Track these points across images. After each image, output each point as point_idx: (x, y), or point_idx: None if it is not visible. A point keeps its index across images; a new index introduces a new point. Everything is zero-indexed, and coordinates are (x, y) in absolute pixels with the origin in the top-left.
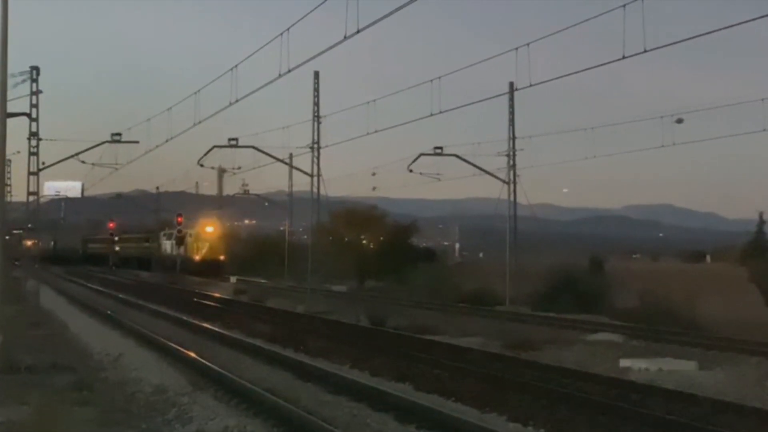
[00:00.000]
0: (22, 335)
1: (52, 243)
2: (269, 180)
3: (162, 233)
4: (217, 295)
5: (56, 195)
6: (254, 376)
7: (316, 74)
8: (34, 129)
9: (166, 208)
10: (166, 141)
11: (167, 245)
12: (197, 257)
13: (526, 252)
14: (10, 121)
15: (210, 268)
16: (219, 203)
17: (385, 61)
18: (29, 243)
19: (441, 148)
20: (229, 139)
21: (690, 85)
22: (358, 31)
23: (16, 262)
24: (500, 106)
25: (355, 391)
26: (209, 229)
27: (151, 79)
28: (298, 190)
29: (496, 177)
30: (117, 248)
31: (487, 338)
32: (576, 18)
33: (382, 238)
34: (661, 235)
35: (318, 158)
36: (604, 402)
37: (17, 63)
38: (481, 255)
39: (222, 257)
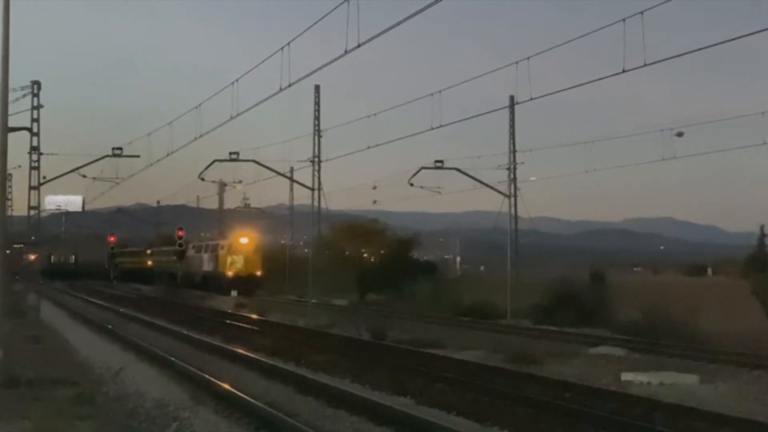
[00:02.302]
0: (22, 349)
1: (73, 257)
2: (270, 194)
3: (191, 246)
4: (218, 308)
5: (57, 209)
6: (255, 390)
7: (317, 88)
8: (35, 143)
9: (167, 222)
10: (167, 155)
11: (200, 259)
12: (230, 273)
13: (527, 265)
14: (11, 136)
15: (245, 285)
16: (220, 217)
17: (386, 75)
18: (32, 257)
19: (442, 161)
20: (230, 153)
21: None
22: (358, 45)
23: (17, 276)
24: (501, 119)
25: (356, 405)
26: (244, 240)
27: (152, 94)
28: (299, 204)
29: (497, 190)
30: (149, 262)
31: (489, 352)
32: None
33: (382, 252)
34: (662, 248)
35: (319, 172)
36: (605, 416)
37: (18, 78)
38: (482, 268)
39: (258, 272)
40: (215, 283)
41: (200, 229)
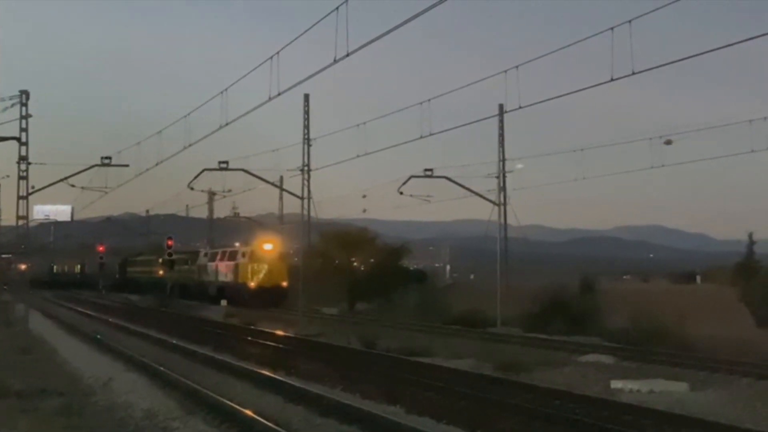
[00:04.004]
0: (11, 360)
1: (79, 266)
2: (259, 203)
3: (203, 253)
4: (208, 318)
5: (46, 219)
6: (245, 399)
7: (306, 97)
8: (23, 153)
9: (156, 231)
10: (156, 164)
11: (214, 268)
12: (252, 284)
13: (517, 273)
14: None
15: (270, 297)
16: (209, 226)
17: (375, 84)
18: (23, 266)
19: (431, 170)
20: (220, 162)
21: (679, 106)
22: (347, 54)
23: (5, 287)
24: (490, 128)
25: (345, 414)
26: (268, 246)
27: (141, 103)
28: (289, 213)
29: (487, 198)
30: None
31: (479, 360)
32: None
33: (372, 260)
34: (651, 255)
35: (308, 181)
36: (595, 423)
37: (7, 87)
38: (472, 276)
39: (284, 283)
40: (234, 295)
41: (190, 238)
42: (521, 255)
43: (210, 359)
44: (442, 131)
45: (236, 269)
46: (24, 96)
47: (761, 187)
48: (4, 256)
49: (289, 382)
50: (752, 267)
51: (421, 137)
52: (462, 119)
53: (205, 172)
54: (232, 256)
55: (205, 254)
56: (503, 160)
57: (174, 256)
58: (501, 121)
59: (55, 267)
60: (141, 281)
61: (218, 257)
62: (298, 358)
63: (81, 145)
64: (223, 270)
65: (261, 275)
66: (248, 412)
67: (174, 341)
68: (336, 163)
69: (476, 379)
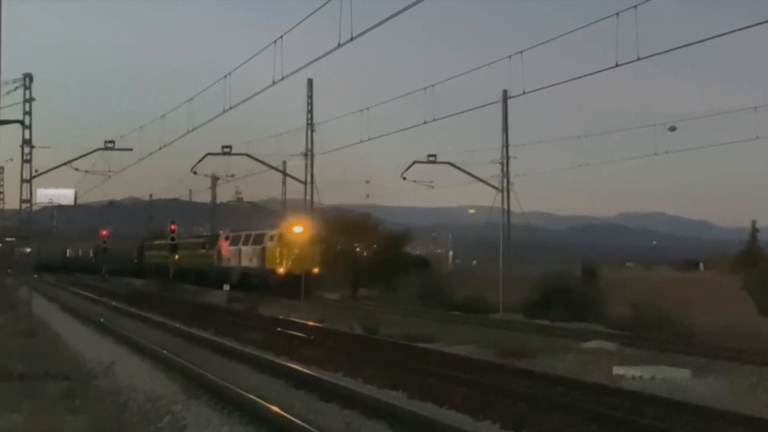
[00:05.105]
0: (14, 343)
1: (92, 251)
2: (262, 188)
3: (222, 237)
4: (210, 303)
5: (49, 202)
6: (247, 384)
7: (310, 82)
8: (27, 136)
9: (159, 216)
10: (160, 148)
11: (237, 253)
12: (281, 269)
13: (519, 260)
14: (3, 129)
15: (299, 285)
16: (212, 211)
17: (379, 68)
18: (27, 250)
19: (435, 155)
20: (223, 147)
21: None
22: (351, 39)
23: (9, 270)
24: (494, 114)
25: (348, 399)
26: (298, 229)
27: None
28: (292, 198)
29: (490, 185)
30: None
31: (480, 346)
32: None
33: (375, 246)
34: (654, 243)
35: (312, 166)
36: (597, 410)
37: (10, 70)
38: (474, 263)
39: (316, 270)
40: (260, 282)
41: (193, 223)
42: (524, 241)
43: (212, 343)
44: (445, 117)
45: (263, 254)
46: (28, 79)
47: (765, 174)
48: (7, 239)
49: (292, 366)
50: (755, 255)
51: (425, 123)
52: (466, 105)
53: (209, 156)
54: (258, 239)
55: (226, 238)
56: (507, 146)
57: (190, 240)
58: (505, 107)
59: (68, 251)
60: (162, 267)
61: (241, 241)
62: (301, 344)
63: (84, 128)
64: (247, 255)
65: (291, 260)
66: (251, 397)
67: (177, 325)
68: (339, 148)
69: (478, 365)
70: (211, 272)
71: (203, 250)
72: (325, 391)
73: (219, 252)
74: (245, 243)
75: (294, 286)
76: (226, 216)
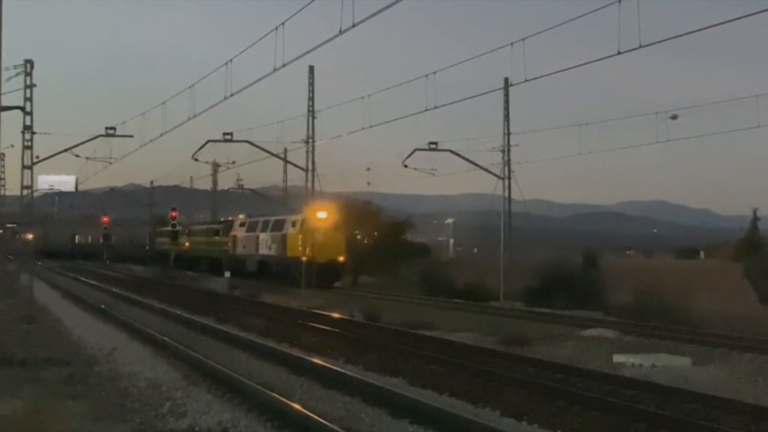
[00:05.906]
0: (15, 329)
1: (101, 238)
2: (263, 175)
3: (239, 223)
4: (211, 290)
5: (50, 189)
6: (248, 371)
7: (311, 69)
8: (28, 122)
9: (160, 203)
10: (161, 135)
11: (254, 240)
12: (304, 258)
13: (520, 247)
14: (4, 115)
15: (324, 274)
16: (213, 198)
17: (380, 55)
18: (30, 236)
19: (436, 143)
20: (224, 134)
21: (685, 81)
22: (353, 26)
23: (10, 257)
24: (495, 101)
25: (348, 386)
26: (322, 215)
27: (145, 73)
28: (293, 185)
29: (491, 172)
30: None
31: (481, 334)
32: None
33: (376, 234)
34: (655, 231)
35: (312, 153)
36: (597, 397)
37: (11, 56)
38: (475, 250)
39: (341, 258)
40: (280, 271)
41: (194, 209)
42: (525, 229)
43: (213, 330)
44: (447, 104)
45: (283, 240)
46: (28, 65)
47: (767, 162)
48: (8, 226)
49: (293, 353)
50: (756, 243)
51: (426, 110)
52: (467, 92)
53: (210, 143)
54: (278, 225)
55: (242, 224)
56: (508, 133)
57: (203, 227)
58: (506, 95)
59: (77, 237)
60: (177, 255)
61: (259, 227)
62: (301, 331)
63: (85, 115)
64: (266, 242)
65: (315, 248)
66: (251, 383)
67: (177, 311)
68: (340, 135)
69: (478, 353)
70: (225, 260)
71: (217, 237)
72: (326, 377)
73: (234, 239)
74: (263, 229)
75: (318, 274)
76: (226, 204)
